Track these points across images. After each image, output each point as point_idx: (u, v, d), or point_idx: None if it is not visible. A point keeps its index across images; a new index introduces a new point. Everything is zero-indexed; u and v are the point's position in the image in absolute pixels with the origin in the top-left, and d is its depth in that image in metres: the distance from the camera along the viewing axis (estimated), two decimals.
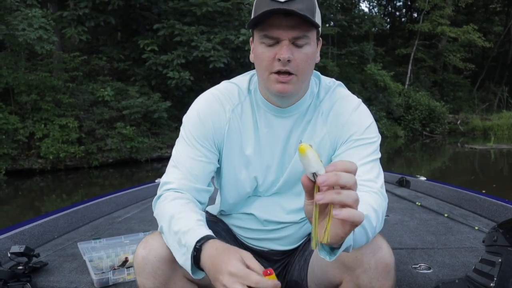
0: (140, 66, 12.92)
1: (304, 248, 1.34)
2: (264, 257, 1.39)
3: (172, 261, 1.08)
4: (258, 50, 1.15)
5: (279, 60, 1.11)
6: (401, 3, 28.85)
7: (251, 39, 1.23)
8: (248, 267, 0.88)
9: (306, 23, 1.10)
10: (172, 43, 12.47)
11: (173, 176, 1.23)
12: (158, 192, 1.22)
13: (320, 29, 1.19)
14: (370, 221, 1.01)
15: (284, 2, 1.07)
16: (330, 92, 1.29)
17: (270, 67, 1.14)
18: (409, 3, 27.45)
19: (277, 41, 1.12)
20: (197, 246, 0.98)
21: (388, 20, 28.13)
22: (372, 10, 26.94)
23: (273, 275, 0.87)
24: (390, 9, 28.93)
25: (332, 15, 18.62)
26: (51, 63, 11.45)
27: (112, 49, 13.42)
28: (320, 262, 1.21)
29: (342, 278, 1.13)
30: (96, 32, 13.65)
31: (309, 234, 1.38)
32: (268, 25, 1.11)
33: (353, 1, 21.71)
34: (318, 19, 1.15)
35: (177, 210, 1.11)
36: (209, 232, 1.03)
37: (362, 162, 1.18)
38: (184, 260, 1.01)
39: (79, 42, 12.93)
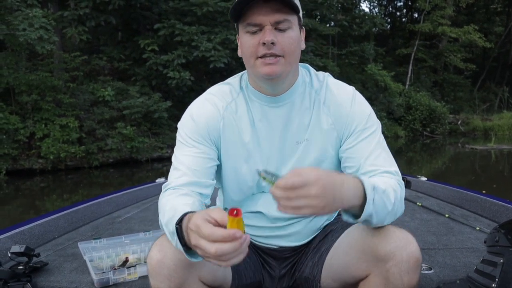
0: (141, 66, 12.91)
1: (319, 245, 1.34)
2: (274, 255, 1.39)
3: (188, 264, 1.07)
4: (243, 39, 1.19)
5: (264, 44, 1.14)
6: (401, 3, 28.86)
7: (237, 35, 1.26)
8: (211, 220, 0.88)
9: (286, 6, 1.14)
10: (172, 43, 12.47)
11: (172, 177, 1.24)
12: (159, 197, 1.22)
13: (301, 15, 1.22)
14: (386, 193, 1.08)
15: None
16: (324, 82, 1.32)
17: (256, 52, 1.17)
18: (409, 3, 27.44)
19: (260, 28, 1.15)
20: (176, 227, 0.98)
21: (389, 20, 28.11)
22: (373, 10, 26.94)
23: (240, 218, 0.84)
24: (390, 9, 28.91)
25: (332, 15, 18.60)
26: (52, 63, 11.45)
27: (113, 49, 13.42)
28: (342, 257, 1.22)
29: (370, 271, 1.13)
30: (96, 32, 13.65)
31: (319, 229, 1.39)
32: (249, 13, 1.14)
33: (354, 1, 21.72)
34: (297, 5, 1.18)
35: (168, 204, 1.11)
36: (189, 209, 1.03)
37: (375, 156, 1.22)
38: (179, 248, 1.00)
39: (80, 42, 12.92)
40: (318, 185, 0.89)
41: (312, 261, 1.33)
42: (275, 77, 1.18)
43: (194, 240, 0.88)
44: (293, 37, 1.17)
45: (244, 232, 0.85)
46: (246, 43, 1.18)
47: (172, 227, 1.01)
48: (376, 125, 1.28)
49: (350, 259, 1.19)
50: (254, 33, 1.16)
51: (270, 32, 1.13)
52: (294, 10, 1.16)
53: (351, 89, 1.32)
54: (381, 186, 1.07)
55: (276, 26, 1.15)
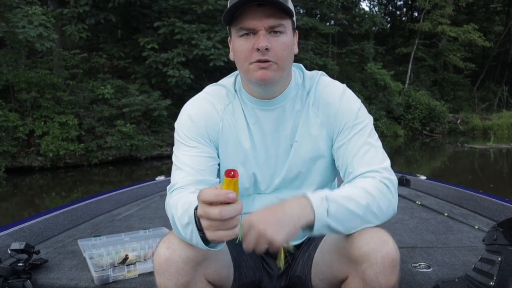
0: (140, 64, 12.91)
1: (308, 243, 1.34)
2: (271, 255, 1.40)
3: (196, 262, 1.08)
4: (237, 43, 1.18)
5: (258, 50, 1.13)
6: (401, 2, 28.83)
7: (229, 38, 1.24)
8: None
9: (280, 11, 1.12)
10: (172, 41, 12.46)
11: (176, 178, 1.23)
12: (166, 199, 1.21)
13: (295, 19, 1.22)
14: (353, 198, 1.07)
15: None
16: (315, 82, 1.32)
17: (249, 57, 1.16)
18: (409, 2, 27.42)
19: (253, 32, 1.14)
20: (194, 211, 0.98)
21: (389, 19, 28.09)
22: (373, 9, 26.96)
23: (236, 179, 0.86)
24: (390, 8, 28.90)
25: (332, 14, 18.60)
26: (51, 60, 11.46)
27: (112, 46, 13.42)
28: (325, 257, 1.22)
29: (348, 273, 1.13)
30: (96, 30, 13.65)
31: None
32: (243, 17, 1.13)
33: (354, 0, 21.72)
34: (291, 8, 1.17)
35: (181, 200, 1.10)
36: None
37: (363, 151, 1.21)
38: (194, 237, 1.00)
39: (79, 40, 12.92)
40: (258, 226, 0.99)
41: (303, 259, 1.34)
42: (268, 82, 1.18)
43: (199, 210, 0.89)
44: (287, 42, 1.17)
45: (237, 195, 0.87)
46: (240, 47, 1.16)
47: (188, 217, 1.01)
48: (366, 120, 1.27)
49: (330, 259, 1.19)
50: (247, 37, 1.15)
51: (264, 38, 1.12)
52: (288, 14, 1.15)
53: (341, 86, 1.32)
54: (343, 193, 1.08)
55: (270, 31, 1.14)
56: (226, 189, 0.85)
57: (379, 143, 1.25)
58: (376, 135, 1.27)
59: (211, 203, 0.85)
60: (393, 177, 1.18)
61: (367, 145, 1.23)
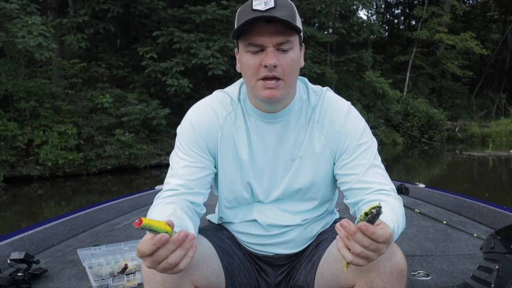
0: (139, 73, 12.95)
1: (311, 254, 1.34)
2: (268, 262, 1.40)
3: None
4: (244, 58, 1.18)
5: (266, 66, 1.14)
6: (399, 10, 29.08)
7: (236, 50, 1.25)
8: None
9: (288, 28, 1.13)
10: (171, 50, 12.52)
11: (165, 187, 1.26)
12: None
13: (302, 34, 1.22)
14: (402, 217, 1.11)
15: (265, 10, 1.11)
16: (321, 98, 1.32)
17: (257, 74, 1.16)
18: (407, 10, 27.65)
19: (261, 48, 1.15)
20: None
21: (387, 27, 28.27)
22: (371, 17, 27.08)
23: (145, 225, 0.91)
24: (388, 16, 29.10)
25: (331, 23, 18.71)
26: (50, 70, 11.49)
27: (111, 56, 13.46)
28: (331, 266, 1.23)
29: (355, 282, 1.13)
30: (95, 39, 13.72)
31: (314, 237, 1.40)
32: (252, 33, 1.13)
33: (352, 9, 21.85)
34: (299, 25, 1.18)
35: (151, 213, 1.14)
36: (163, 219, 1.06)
37: (371, 173, 1.23)
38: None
39: (79, 49, 12.97)
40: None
41: (306, 269, 1.33)
42: (274, 100, 1.19)
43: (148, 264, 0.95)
44: (294, 58, 1.17)
45: (170, 230, 0.93)
46: (247, 62, 1.17)
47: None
48: (370, 141, 1.28)
49: (337, 268, 1.19)
50: (255, 53, 1.16)
51: (273, 55, 1.13)
52: (296, 30, 1.15)
53: (346, 105, 1.32)
54: (395, 208, 1.11)
55: (278, 47, 1.14)
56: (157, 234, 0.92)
57: (383, 167, 1.27)
58: (380, 159, 1.29)
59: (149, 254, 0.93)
60: (400, 198, 1.22)
61: (374, 166, 1.24)
